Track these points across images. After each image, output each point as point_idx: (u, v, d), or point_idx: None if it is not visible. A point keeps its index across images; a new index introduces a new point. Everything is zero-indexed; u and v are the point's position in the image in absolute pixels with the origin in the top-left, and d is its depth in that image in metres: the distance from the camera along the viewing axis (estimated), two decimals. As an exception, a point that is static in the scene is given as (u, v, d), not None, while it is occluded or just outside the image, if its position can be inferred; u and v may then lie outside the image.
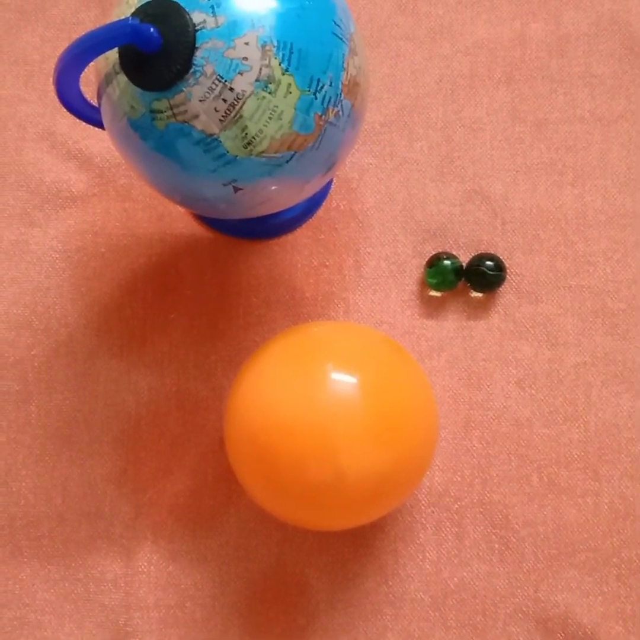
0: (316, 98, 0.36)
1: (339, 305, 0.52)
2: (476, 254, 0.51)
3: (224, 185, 0.38)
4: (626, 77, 0.54)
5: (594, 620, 0.49)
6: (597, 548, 0.49)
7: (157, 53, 0.35)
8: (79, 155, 0.53)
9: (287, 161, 0.37)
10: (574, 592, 0.49)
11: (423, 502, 0.50)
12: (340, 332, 0.45)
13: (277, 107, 0.36)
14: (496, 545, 0.49)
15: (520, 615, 0.49)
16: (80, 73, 0.37)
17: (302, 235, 0.52)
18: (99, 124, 0.41)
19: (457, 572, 0.49)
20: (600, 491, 0.50)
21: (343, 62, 0.37)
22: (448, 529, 0.49)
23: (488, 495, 0.50)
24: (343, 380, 0.41)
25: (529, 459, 0.50)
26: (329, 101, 0.37)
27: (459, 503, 0.50)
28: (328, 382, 0.41)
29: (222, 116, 0.35)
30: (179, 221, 0.52)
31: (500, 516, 0.49)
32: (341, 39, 0.37)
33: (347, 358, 0.43)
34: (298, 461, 0.40)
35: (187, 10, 0.35)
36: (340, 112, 0.38)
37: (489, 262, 0.50)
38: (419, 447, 0.43)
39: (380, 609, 0.49)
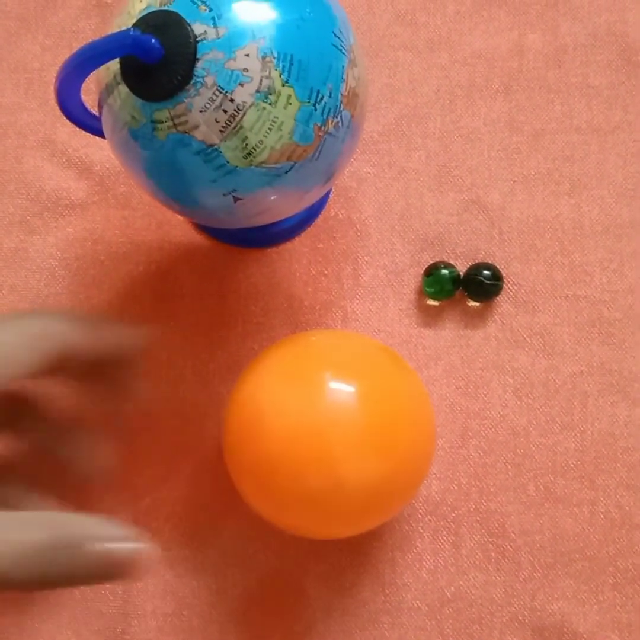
0: (316, 109, 0.37)
1: (337, 314, 0.52)
2: (473, 263, 0.52)
3: (224, 195, 0.38)
4: (623, 88, 0.54)
5: (590, 629, 0.49)
6: (593, 557, 0.49)
7: (158, 64, 0.35)
8: (79, 163, 0.53)
9: (287, 171, 0.38)
10: (570, 601, 0.49)
11: (420, 510, 0.50)
12: (338, 341, 0.45)
13: (277, 118, 0.36)
14: (493, 554, 0.49)
15: (516, 624, 0.49)
16: (82, 83, 0.37)
17: (300, 244, 0.52)
18: (99, 133, 0.41)
19: (454, 581, 0.49)
20: (596, 500, 0.50)
21: (343, 74, 0.38)
22: (445, 538, 0.50)
23: (485, 504, 0.50)
24: (341, 389, 0.41)
25: (525, 468, 0.50)
26: (329, 112, 0.37)
27: (455, 512, 0.50)
28: (326, 391, 0.41)
29: (223, 127, 0.36)
30: (178, 229, 0.52)
31: (496, 525, 0.50)
32: (341, 50, 0.38)
33: (345, 367, 0.43)
34: (296, 470, 0.40)
35: (188, 21, 0.35)
36: (340, 123, 0.38)
37: (486, 272, 0.50)
38: (416, 456, 0.43)
39: (377, 617, 0.49)
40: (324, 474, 0.40)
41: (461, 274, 0.51)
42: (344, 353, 0.44)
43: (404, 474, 0.42)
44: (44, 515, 0.35)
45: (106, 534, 0.35)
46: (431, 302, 0.52)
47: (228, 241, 0.52)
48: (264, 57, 0.35)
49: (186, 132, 0.36)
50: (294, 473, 0.40)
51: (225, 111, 0.35)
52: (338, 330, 0.51)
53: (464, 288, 0.51)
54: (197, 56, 0.35)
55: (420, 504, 0.50)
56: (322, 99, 0.37)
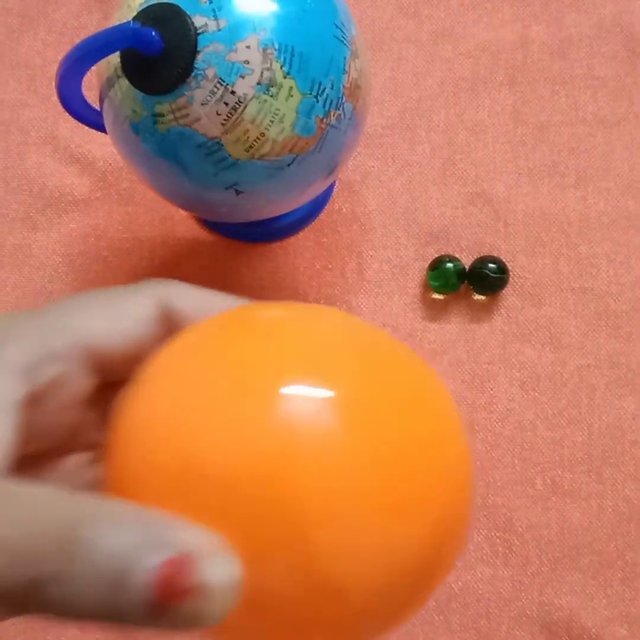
0: (318, 101, 0.36)
1: (342, 308, 0.51)
2: (479, 256, 0.51)
3: (226, 188, 0.38)
4: (628, 79, 0.54)
5: (599, 624, 0.48)
6: (601, 551, 0.49)
7: (158, 57, 0.35)
8: (82, 159, 0.53)
9: (289, 164, 0.37)
10: (578, 595, 0.49)
11: (426, 505, 0.50)
12: (308, 320, 0.26)
13: (278, 110, 0.36)
14: (500, 549, 0.49)
15: (524, 618, 0.49)
16: (82, 77, 0.37)
17: (304, 238, 0.52)
18: (101, 128, 0.41)
19: (461, 576, 0.49)
20: (604, 494, 0.49)
21: (344, 65, 0.37)
22: (452, 532, 0.49)
23: (492, 498, 0.50)
24: (312, 397, 0.23)
25: (532, 461, 0.50)
26: (331, 104, 0.37)
27: (462, 506, 0.49)
28: (285, 402, 0.22)
29: (224, 120, 0.35)
30: (181, 224, 0.52)
31: (504, 519, 0.49)
32: (342, 42, 0.37)
33: (320, 362, 0.24)
34: (237, 548, 0.21)
35: (188, 13, 0.35)
36: (342, 115, 0.38)
37: (491, 265, 0.50)
38: (449, 515, 0.24)
39: (383, 612, 0.49)
40: (286, 556, 0.21)
41: (466, 267, 0.51)
42: (317, 339, 0.25)
43: (430, 546, 0.23)
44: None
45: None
46: (436, 295, 0.51)
47: (231, 236, 0.52)
48: (265, 49, 0.35)
49: (187, 126, 0.36)
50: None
51: (226, 104, 0.35)
52: (314, 305, 0.31)
53: (469, 281, 0.51)
54: (198, 49, 0.35)
55: (427, 499, 0.50)
56: (323, 91, 0.36)
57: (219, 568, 0.20)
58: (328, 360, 0.24)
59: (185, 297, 0.30)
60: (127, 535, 0.20)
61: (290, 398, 0.22)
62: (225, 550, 0.20)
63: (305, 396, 0.23)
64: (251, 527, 0.21)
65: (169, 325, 0.29)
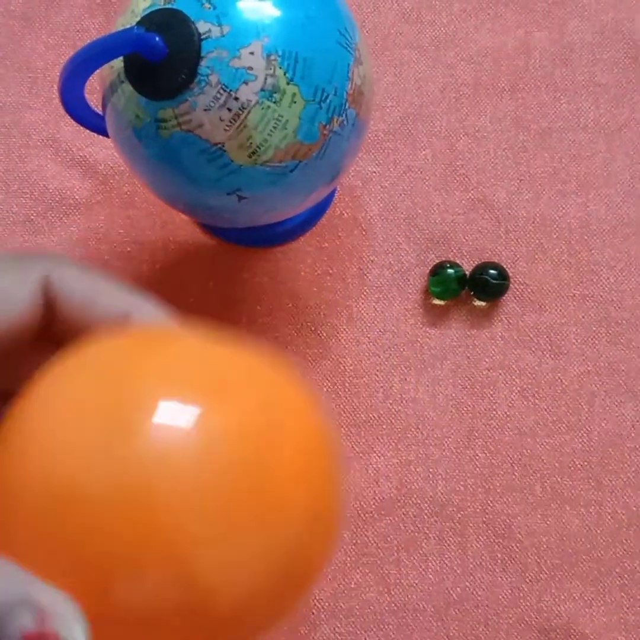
0: (321, 108, 0.36)
1: (342, 314, 0.51)
2: (480, 262, 0.51)
3: (228, 194, 0.38)
4: (630, 86, 0.54)
5: (597, 631, 0.48)
6: (600, 558, 0.49)
7: (162, 62, 0.35)
8: (83, 162, 0.53)
9: (292, 170, 0.37)
10: (576, 603, 0.49)
11: (426, 511, 0.50)
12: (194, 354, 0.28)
13: (281, 116, 0.36)
14: (499, 555, 0.49)
15: (522, 625, 0.49)
16: (85, 82, 0.37)
17: (305, 243, 0.52)
18: (103, 132, 0.41)
19: (460, 582, 0.49)
20: (603, 501, 0.50)
21: (348, 72, 0.37)
22: (451, 539, 0.49)
23: (491, 504, 0.50)
24: (178, 412, 0.23)
25: (532, 468, 0.50)
26: (334, 111, 0.37)
27: (461, 513, 0.49)
28: (153, 417, 0.23)
29: (227, 125, 0.35)
30: (183, 229, 0.52)
31: (503, 526, 0.49)
32: (346, 48, 0.37)
33: (184, 377, 0.25)
34: (110, 575, 0.21)
35: (192, 19, 0.35)
36: (345, 122, 0.38)
37: (492, 271, 0.50)
38: (319, 524, 0.25)
39: (382, 619, 0.49)
40: (169, 583, 0.22)
41: (467, 273, 0.51)
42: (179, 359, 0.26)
43: (295, 550, 0.24)
44: None
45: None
46: (437, 301, 0.51)
47: (233, 241, 0.52)
48: (268, 56, 0.35)
49: (190, 131, 0.36)
50: (108, 583, 0.21)
51: (229, 110, 0.35)
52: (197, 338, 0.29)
53: (470, 287, 0.51)
54: (202, 54, 0.35)
55: (426, 505, 0.50)
56: (327, 97, 0.36)
57: (74, 630, 0.20)
58: (193, 378, 0.25)
59: (75, 285, 0.26)
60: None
61: (160, 416, 0.23)
62: (76, 611, 0.20)
63: (171, 414, 0.23)
64: (131, 550, 0.21)
65: (48, 311, 0.26)
